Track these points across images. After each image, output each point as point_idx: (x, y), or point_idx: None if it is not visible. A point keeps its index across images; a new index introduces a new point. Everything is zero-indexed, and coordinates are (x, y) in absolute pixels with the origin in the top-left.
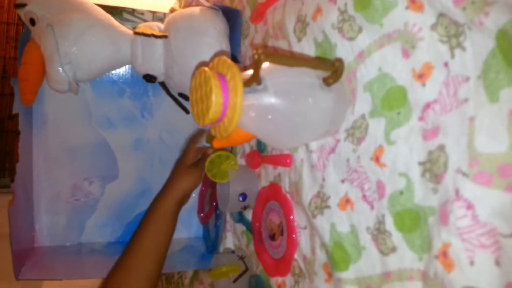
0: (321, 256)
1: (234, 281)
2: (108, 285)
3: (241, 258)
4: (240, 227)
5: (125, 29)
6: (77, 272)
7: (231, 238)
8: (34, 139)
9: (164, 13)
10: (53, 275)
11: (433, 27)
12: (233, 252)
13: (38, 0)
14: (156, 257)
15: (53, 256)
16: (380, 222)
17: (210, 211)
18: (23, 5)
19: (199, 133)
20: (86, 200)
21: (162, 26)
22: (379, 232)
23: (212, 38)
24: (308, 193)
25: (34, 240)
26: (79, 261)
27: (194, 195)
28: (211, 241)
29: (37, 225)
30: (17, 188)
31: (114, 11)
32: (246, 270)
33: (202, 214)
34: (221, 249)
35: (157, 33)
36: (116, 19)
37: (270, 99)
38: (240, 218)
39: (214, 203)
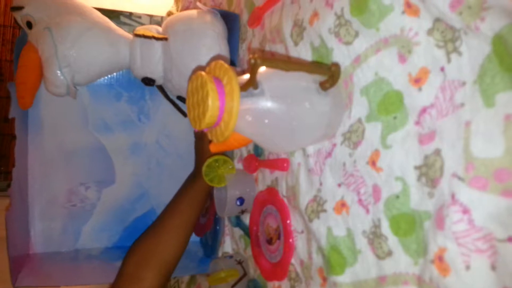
0: (317, 260)
1: (233, 286)
2: (136, 252)
3: (239, 262)
4: (238, 231)
5: (123, 32)
6: (75, 278)
7: (229, 242)
8: (29, 144)
9: (162, 17)
10: (50, 281)
11: (430, 32)
12: (231, 257)
13: (35, 3)
14: (187, 229)
15: (49, 263)
16: (376, 226)
17: (208, 223)
18: (20, 8)
19: None
20: (83, 205)
21: (160, 29)
22: (375, 236)
23: (211, 41)
24: (305, 197)
25: (29, 247)
26: (76, 267)
27: None
28: (209, 245)
29: (32, 231)
30: (14, 193)
31: (112, 14)
32: (245, 275)
33: (198, 228)
34: (219, 253)
35: (157, 35)
36: (113, 23)
37: (266, 103)
38: (238, 222)
39: (215, 215)
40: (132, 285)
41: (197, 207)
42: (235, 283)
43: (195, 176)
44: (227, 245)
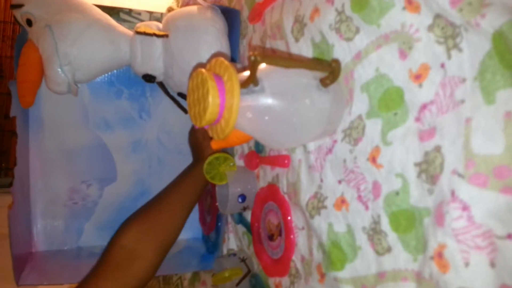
0: (317, 256)
1: (237, 284)
2: (125, 234)
3: (243, 260)
4: (241, 228)
5: (124, 29)
6: (78, 276)
7: (233, 239)
8: (30, 142)
9: (161, 13)
10: (53, 279)
11: (430, 28)
12: (234, 255)
13: (35, 0)
14: (187, 210)
15: (52, 261)
16: (376, 222)
17: (212, 222)
18: (19, 6)
19: None
20: (84, 203)
21: (160, 25)
22: (375, 232)
23: (212, 37)
24: (306, 193)
25: (31, 245)
26: (79, 265)
27: None
28: (211, 242)
29: (34, 229)
30: (16, 191)
31: (111, 11)
32: (249, 272)
33: (205, 226)
34: (224, 250)
35: (158, 32)
36: (113, 20)
37: (267, 100)
38: (240, 219)
39: (217, 211)
40: (133, 261)
41: (197, 191)
42: (240, 281)
43: (194, 164)
44: (232, 242)
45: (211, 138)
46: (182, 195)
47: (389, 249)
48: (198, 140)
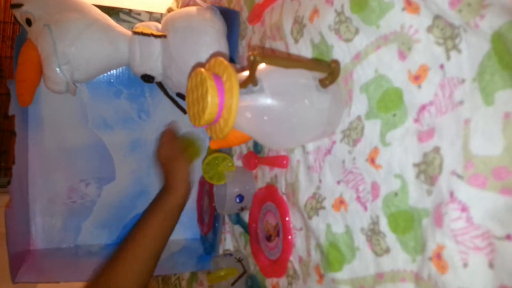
0: (315, 257)
1: (233, 284)
2: (101, 278)
3: (239, 260)
4: (238, 229)
5: (123, 29)
6: (75, 274)
7: (230, 239)
8: (30, 141)
9: (161, 14)
10: (50, 277)
11: (429, 29)
12: (230, 255)
13: (34, 0)
14: (153, 256)
15: (49, 259)
16: (375, 223)
17: (210, 222)
18: (19, 5)
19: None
20: (83, 202)
21: (159, 26)
22: (373, 233)
23: (211, 37)
24: (304, 194)
25: (29, 243)
26: (76, 263)
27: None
28: (208, 242)
29: (32, 227)
30: (14, 190)
31: (111, 11)
32: (244, 272)
33: (203, 226)
34: (220, 251)
35: (156, 32)
36: (113, 20)
37: (266, 100)
38: (238, 220)
39: (214, 212)
40: None
41: (170, 225)
42: (235, 281)
43: (165, 192)
44: (228, 243)
45: (212, 143)
46: (150, 240)
47: (387, 250)
48: (169, 160)
